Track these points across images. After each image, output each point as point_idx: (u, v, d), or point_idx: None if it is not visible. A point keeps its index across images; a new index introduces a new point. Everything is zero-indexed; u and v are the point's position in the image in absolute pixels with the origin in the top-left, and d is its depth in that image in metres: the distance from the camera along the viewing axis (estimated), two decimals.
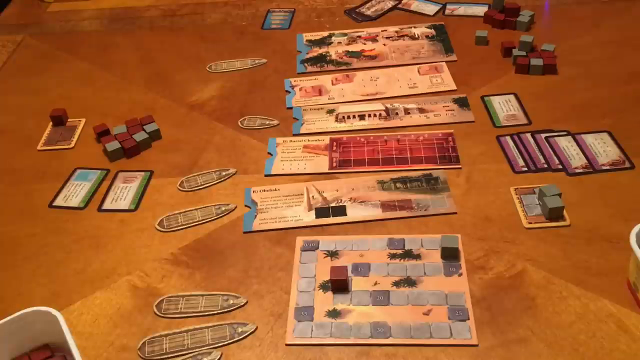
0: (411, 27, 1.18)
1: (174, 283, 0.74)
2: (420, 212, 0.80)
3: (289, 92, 1.04)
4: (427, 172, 0.86)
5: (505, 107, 0.97)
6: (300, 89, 1.05)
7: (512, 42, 1.07)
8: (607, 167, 0.84)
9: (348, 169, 0.88)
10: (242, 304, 0.71)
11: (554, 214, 0.77)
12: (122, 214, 0.85)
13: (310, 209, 0.82)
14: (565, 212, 0.78)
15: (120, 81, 1.12)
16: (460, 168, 0.87)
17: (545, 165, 0.86)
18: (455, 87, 1.02)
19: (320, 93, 1.03)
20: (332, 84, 1.05)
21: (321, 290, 0.72)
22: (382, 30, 1.18)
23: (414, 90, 1.02)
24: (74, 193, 0.88)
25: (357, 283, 0.72)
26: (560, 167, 0.85)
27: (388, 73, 1.07)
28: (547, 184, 0.80)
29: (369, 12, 1.25)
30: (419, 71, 1.06)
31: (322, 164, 0.89)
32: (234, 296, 0.72)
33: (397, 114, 0.97)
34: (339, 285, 0.71)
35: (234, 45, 1.18)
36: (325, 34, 1.19)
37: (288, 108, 1.01)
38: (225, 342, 0.67)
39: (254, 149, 0.93)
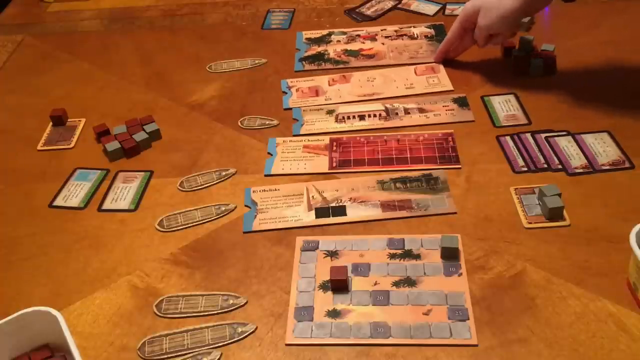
0: (410, 27, 1.18)
1: (173, 283, 0.75)
2: (420, 212, 0.80)
3: (286, 92, 1.04)
4: (427, 172, 0.86)
5: (505, 107, 0.97)
6: (297, 90, 1.05)
7: (512, 42, 1.07)
8: (607, 167, 0.84)
9: (348, 169, 0.88)
10: (242, 304, 0.71)
11: (554, 214, 0.77)
12: (122, 214, 0.85)
13: (310, 209, 0.82)
14: (565, 212, 0.78)
15: (120, 81, 1.12)
16: (460, 168, 0.87)
17: (545, 165, 0.86)
18: (452, 88, 1.02)
19: (317, 94, 1.03)
20: (329, 85, 1.05)
21: (321, 290, 0.72)
22: (382, 30, 1.18)
23: (411, 90, 1.02)
24: (74, 193, 0.88)
25: (357, 283, 0.72)
26: (560, 167, 0.85)
27: (385, 74, 1.07)
28: (547, 184, 0.80)
29: (368, 12, 1.25)
30: (415, 71, 1.06)
31: (322, 164, 0.89)
32: (234, 296, 0.72)
33: (397, 114, 0.97)
34: (338, 285, 0.71)
35: (234, 45, 1.18)
36: (325, 32, 1.19)
37: (285, 109, 1.01)
38: (225, 342, 0.68)
39: (254, 149, 0.93)
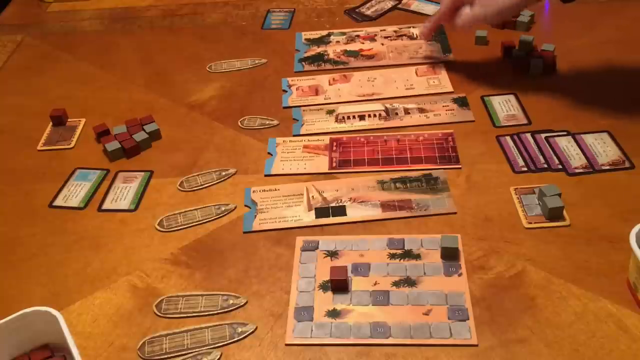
0: (410, 27, 1.18)
1: (173, 283, 0.75)
2: (420, 212, 0.80)
3: (286, 91, 1.04)
4: (427, 172, 0.86)
5: (505, 107, 0.97)
6: (297, 89, 1.05)
7: (512, 42, 1.07)
8: (607, 167, 0.84)
9: (348, 169, 0.88)
10: (242, 304, 0.71)
11: (554, 214, 0.77)
12: (122, 214, 0.85)
13: (310, 209, 0.82)
14: (565, 212, 0.78)
15: (120, 81, 1.12)
16: (460, 168, 0.87)
17: (545, 165, 0.86)
18: (452, 89, 1.02)
19: (316, 93, 1.03)
20: (330, 84, 1.05)
21: (321, 290, 0.72)
22: (381, 30, 1.18)
23: (411, 91, 1.02)
24: (74, 193, 0.88)
25: (357, 283, 0.72)
26: (560, 167, 0.85)
27: (385, 74, 1.07)
28: (547, 184, 0.80)
29: (368, 12, 1.25)
30: (416, 72, 1.06)
31: (322, 164, 0.89)
32: (234, 296, 0.72)
33: (397, 114, 0.97)
34: (338, 285, 0.71)
35: (234, 45, 1.18)
36: (324, 32, 1.19)
37: (284, 107, 1.01)
38: (225, 342, 0.68)
39: (254, 149, 0.93)
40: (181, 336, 0.68)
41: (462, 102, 0.98)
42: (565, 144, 0.89)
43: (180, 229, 0.81)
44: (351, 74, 1.07)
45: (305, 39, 1.18)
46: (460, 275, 0.72)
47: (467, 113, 0.96)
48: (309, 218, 0.81)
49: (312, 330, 0.68)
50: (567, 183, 0.82)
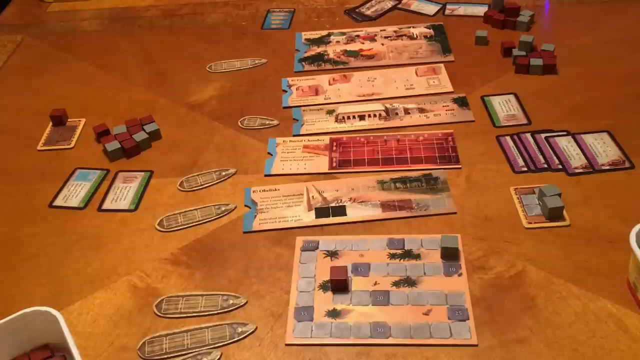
0: (410, 27, 1.18)
1: (173, 283, 0.75)
2: (420, 212, 0.80)
3: (286, 91, 1.04)
4: (427, 172, 0.86)
5: (505, 107, 0.97)
6: (297, 89, 1.05)
7: (512, 42, 1.07)
8: (607, 167, 0.84)
9: (348, 169, 0.88)
10: (242, 304, 0.71)
11: (554, 214, 0.77)
12: (122, 214, 0.85)
13: (310, 209, 0.82)
14: (565, 212, 0.78)
15: (120, 81, 1.12)
16: (460, 168, 0.87)
17: (545, 165, 0.86)
18: (452, 89, 1.02)
19: (316, 93, 1.03)
20: (330, 84, 1.05)
21: (321, 290, 0.72)
22: (381, 30, 1.18)
23: (411, 91, 1.02)
24: (74, 193, 0.88)
25: (357, 283, 0.72)
26: (560, 167, 0.85)
27: (385, 74, 1.07)
28: (547, 184, 0.80)
29: (368, 12, 1.25)
30: (416, 72, 1.06)
31: (322, 164, 0.89)
32: (234, 296, 0.72)
33: (397, 114, 0.97)
34: (338, 285, 0.71)
35: (234, 45, 1.18)
36: (324, 32, 1.19)
37: (284, 107, 1.01)
38: (225, 342, 0.68)
39: (254, 149, 0.93)
40: (181, 336, 0.68)
41: (462, 102, 0.98)
42: (565, 144, 0.89)
43: (180, 229, 0.81)
44: (351, 74, 1.08)
45: (305, 39, 1.18)
46: (460, 275, 0.72)
47: (467, 113, 0.96)
48: (309, 218, 0.81)
49: (312, 330, 0.68)
50: (567, 183, 0.82)
